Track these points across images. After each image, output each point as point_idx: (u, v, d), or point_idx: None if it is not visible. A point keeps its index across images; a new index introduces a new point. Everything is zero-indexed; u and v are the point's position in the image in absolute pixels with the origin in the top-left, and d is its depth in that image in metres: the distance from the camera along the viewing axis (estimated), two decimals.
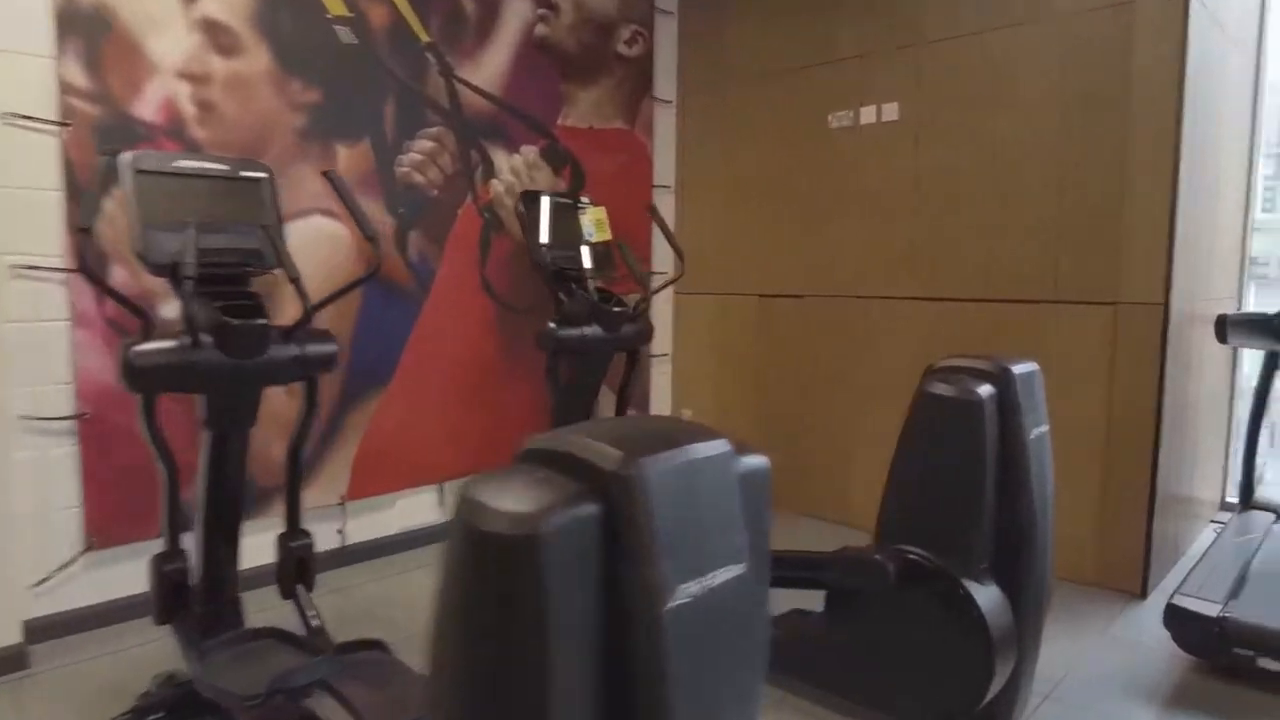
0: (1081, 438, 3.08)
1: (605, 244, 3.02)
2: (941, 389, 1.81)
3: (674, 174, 4.41)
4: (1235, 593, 2.48)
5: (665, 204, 4.37)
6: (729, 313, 4.22)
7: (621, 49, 4.13)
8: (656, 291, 3.16)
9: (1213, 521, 3.69)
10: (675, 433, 0.96)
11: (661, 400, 4.48)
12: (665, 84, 4.34)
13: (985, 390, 1.79)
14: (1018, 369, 1.85)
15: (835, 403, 3.80)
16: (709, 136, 4.28)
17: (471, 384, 3.56)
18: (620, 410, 3.09)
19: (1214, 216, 3.46)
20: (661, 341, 4.43)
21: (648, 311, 2.97)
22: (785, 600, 2.13)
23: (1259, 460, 3.44)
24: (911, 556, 1.83)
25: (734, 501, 0.97)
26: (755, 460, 1.01)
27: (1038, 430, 1.86)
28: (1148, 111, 2.89)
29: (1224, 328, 2.84)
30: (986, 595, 1.77)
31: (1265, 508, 3.29)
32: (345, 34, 3.12)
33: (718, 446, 0.96)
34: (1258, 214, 3.98)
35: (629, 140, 4.20)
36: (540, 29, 3.77)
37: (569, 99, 3.91)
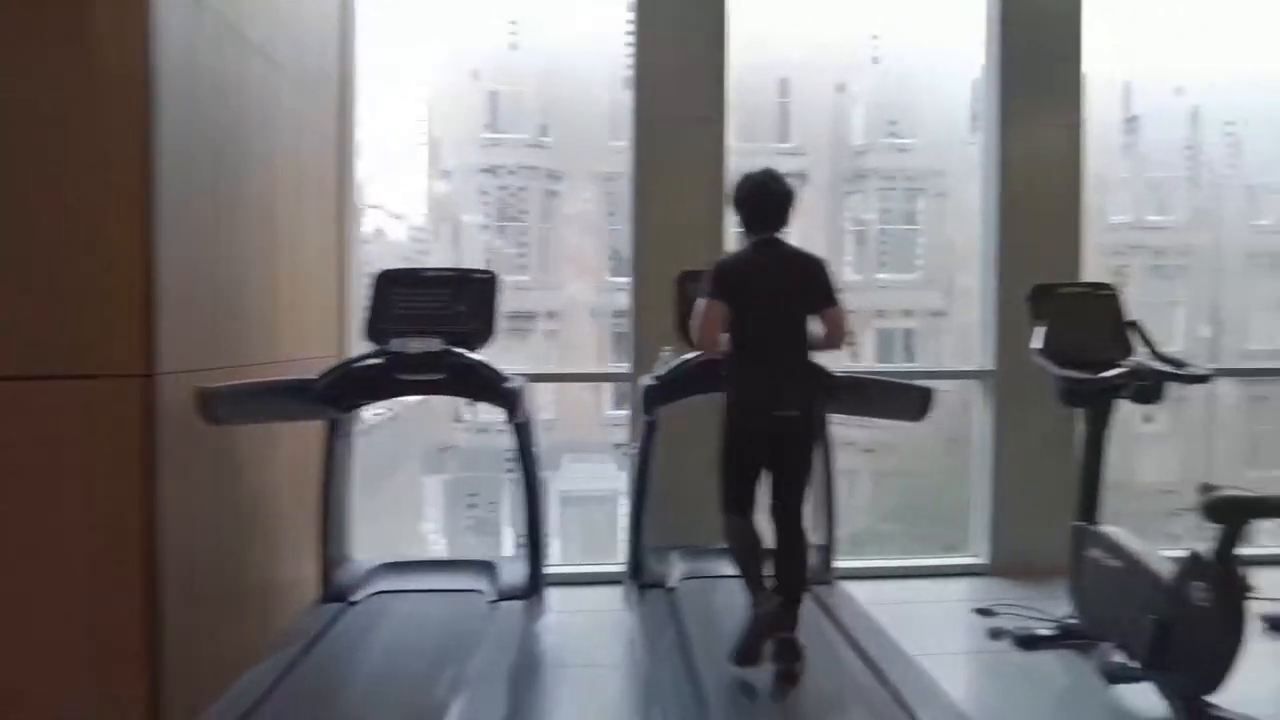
0: (58, 576, 2.15)
1: None
2: None
3: None
4: None
5: None
6: None
7: None
8: None
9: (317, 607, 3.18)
10: None
11: None
12: None
13: None
14: None
15: None
16: None
17: None
18: None
19: (279, 272, 3.01)
20: None
21: None
22: None
23: (342, 539, 3.06)
24: None
25: None
26: None
27: None
28: (106, 129, 2.17)
29: (211, 404, 2.18)
30: None
31: (340, 598, 2.84)
32: None
33: None
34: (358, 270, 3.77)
35: None
36: None
37: None
